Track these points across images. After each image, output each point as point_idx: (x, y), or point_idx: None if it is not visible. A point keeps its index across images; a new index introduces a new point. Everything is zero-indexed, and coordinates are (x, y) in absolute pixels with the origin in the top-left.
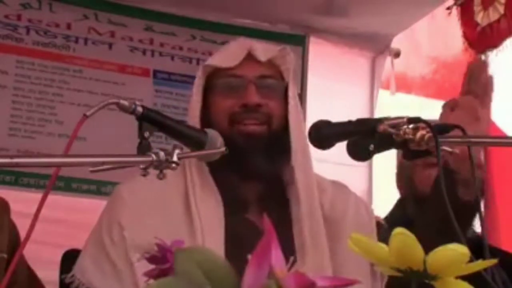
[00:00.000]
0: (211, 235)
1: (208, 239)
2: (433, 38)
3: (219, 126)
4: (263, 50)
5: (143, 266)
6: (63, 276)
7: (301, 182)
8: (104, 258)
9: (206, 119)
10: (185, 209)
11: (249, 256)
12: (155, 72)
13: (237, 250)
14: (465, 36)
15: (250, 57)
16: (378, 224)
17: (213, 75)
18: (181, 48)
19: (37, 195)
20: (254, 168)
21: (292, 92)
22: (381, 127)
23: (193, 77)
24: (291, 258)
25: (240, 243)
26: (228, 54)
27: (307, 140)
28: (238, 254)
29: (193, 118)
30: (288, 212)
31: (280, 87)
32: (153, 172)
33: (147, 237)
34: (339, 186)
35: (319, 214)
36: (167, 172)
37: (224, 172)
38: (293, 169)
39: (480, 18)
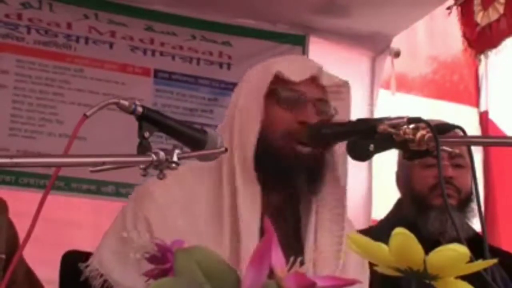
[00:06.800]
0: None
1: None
2: (433, 38)
3: (273, 138)
4: (328, 76)
5: None
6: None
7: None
8: (127, 250)
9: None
10: (217, 214)
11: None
12: (156, 71)
13: None
14: (465, 36)
15: (312, 79)
16: (369, 228)
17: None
18: (181, 48)
19: (37, 195)
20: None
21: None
22: (381, 127)
23: (194, 77)
24: (291, 258)
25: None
26: (295, 68)
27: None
28: None
29: (251, 125)
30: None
31: (332, 113)
32: (183, 171)
33: (173, 238)
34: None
35: None
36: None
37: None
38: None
39: (480, 18)
